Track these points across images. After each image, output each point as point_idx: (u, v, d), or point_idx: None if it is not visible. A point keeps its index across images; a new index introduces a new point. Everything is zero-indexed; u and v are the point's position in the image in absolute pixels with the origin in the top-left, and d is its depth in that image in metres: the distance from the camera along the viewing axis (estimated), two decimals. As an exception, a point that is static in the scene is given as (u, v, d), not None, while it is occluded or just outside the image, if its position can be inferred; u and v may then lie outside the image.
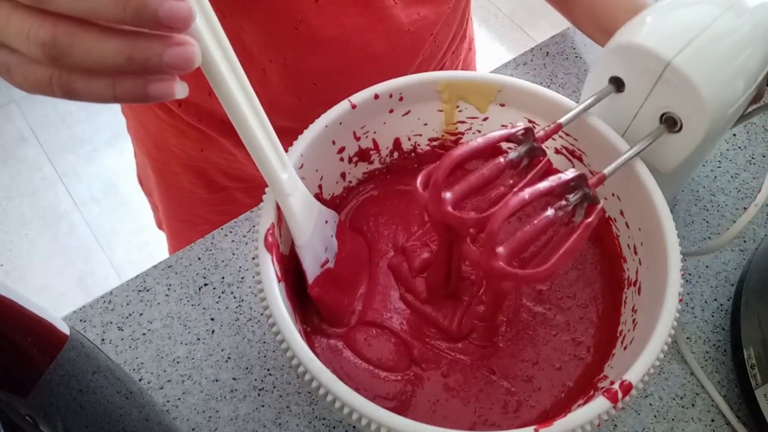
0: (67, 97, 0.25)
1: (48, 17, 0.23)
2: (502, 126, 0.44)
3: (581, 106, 0.39)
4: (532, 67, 0.63)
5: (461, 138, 0.46)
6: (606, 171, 0.36)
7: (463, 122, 0.44)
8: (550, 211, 0.32)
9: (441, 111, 0.44)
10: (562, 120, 0.37)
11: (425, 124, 0.44)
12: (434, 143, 0.46)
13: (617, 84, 0.40)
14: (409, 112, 0.43)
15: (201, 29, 0.26)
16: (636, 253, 0.39)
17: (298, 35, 0.47)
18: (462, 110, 0.44)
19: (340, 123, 0.40)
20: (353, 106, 0.40)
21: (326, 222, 0.40)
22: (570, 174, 0.33)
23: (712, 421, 0.44)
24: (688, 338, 0.47)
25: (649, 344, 0.32)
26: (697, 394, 0.45)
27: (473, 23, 0.66)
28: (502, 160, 0.34)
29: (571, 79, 0.62)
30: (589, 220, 0.33)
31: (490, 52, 1.82)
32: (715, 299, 0.49)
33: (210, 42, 0.27)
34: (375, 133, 0.43)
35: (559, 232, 0.34)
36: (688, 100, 0.36)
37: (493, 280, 0.35)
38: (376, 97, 0.41)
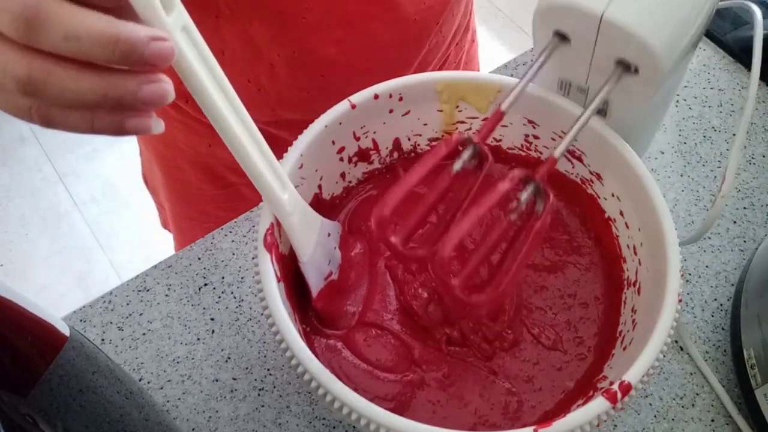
0: (45, 126, 0.25)
1: (26, 53, 0.23)
2: (503, 126, 0.44)
3: (534, 67, 0.37)
4: (532, 67, 0.63)
5: (461, 138, 0.46)
6: (556, 153, 0.34)
7: (462, 122, 0.44)
8: (503, 221, 0.32)
9: (441, 111, 0.44)
10: (503, 107, 0.36)
11: (425, 124, 0.44)
12: (434, 143, 0.46)
13: (562, 37, 0.38)
14: (408, 112, 0.43)
15: (191, 62, 0.27)
16: (636, 253, 0.39)
17: (305, 24, 0.47)
18: (462, 110, 0.44)
19: (340, 123, 0.40)
20: (353, 106, 0.40)
21: (329, 235, 0.40)
22: (506, 185, 0.32)
23: (712, 421, 0.44)
24: (688, 338, 0.47)
25: (648, 345, 0.32)
26: (697, 394, 0.45)
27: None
28: (447, 177, 0.34)
29: (571, 79, 0.62)
30: (539, 225, 0.32)
31: (490, 52, 1.82)
32: (715, 299, 0.49)
33: (202, 74, 0.27)
34: (375, 133, 0.43)
35: (525, 227, 0.33)
36: (634, 47, 0.35)
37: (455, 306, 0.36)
38: (376, 97, 0.41)
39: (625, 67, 0.37)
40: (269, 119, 0.56)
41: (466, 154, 0.34)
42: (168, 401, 0.44)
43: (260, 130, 0.58)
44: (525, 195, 0.33)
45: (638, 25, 0.34)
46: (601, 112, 0.41)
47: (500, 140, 0.45)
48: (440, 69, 0.60)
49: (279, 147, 0.58)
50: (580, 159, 0.42)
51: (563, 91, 0.42)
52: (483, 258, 0.33)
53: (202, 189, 0.65)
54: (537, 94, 0.41)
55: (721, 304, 0.49)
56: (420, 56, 0.55)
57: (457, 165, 0.34)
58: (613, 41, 0.36)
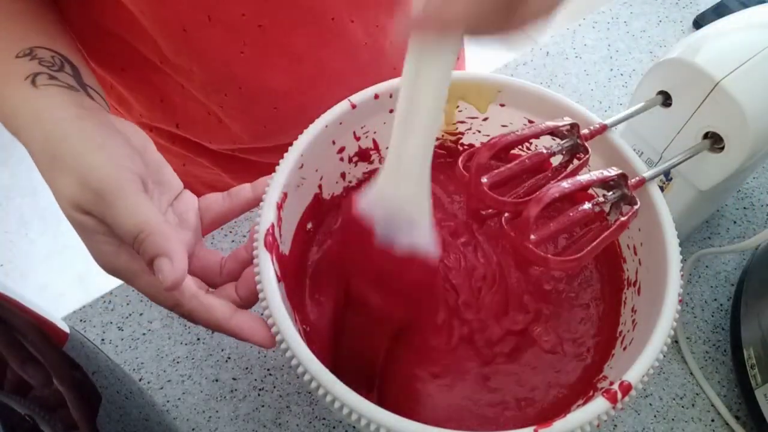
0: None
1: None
2: (503, 126, 0.44)
3: (631, 110, 0.39)
4: (532, 67, 0.63)
5: (461, 138, 0.46)
6: (646, 175, 0.36)
7: (463, 122, 0.44)
8: (587, 205, 0.33)
9: (441, 111, 0.44)
10: (608, 121, 0.38)
11: (425, 124, 0.44)
12: (435, 143, 0.46)
13: (665, 98, 0.41)
14: (409, 112, 0.43)
15: None
16: (636, 253, 0.39)
17: (245, 59, 0.47)
18: (462, 110, 0.44)
19: (340, 123, 0.40)
20: (353, 106, 0.40)
21: None
22: (612, 172, 0.35)
23: (712, 421, 0.44)
24: (688, 338, 0.47)
25: (648, 345, 0.32)
26: (696, 394, 0.45)
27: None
28: (544, 151, 0.35)
29: (571, 79, 0.62)
30: (624, 218, 0.34)
31: (491, 52, 1.82)
32: (715, 299, 0.49)
33: None
34: (375, 133, 0.43)
35: (591, 228, 0.35)
36: (733, 122, 0.38)
37: (524, 264, 0.36)
38: (376, 97, 0.41)
39: (712, 141, 0.39)
40: (233, 148, 0.56)
41: (566, 143, 0.36)
42: (168, 401, 0.44)
43: (227, 155, 0.57)
44: (612, 195, 0.35)
45: (747, 102, 0.37)
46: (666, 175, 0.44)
47: (500, 140, 0.45)
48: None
49: (250, 168, 0.57)
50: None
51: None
52: (563, 228, 0.33)
53: None
54: (539, 94, 0.41)
55: (721, 304, 0.49)
56: (381, 77, 0.53)
57: (556, 147, 0.36)
58: (715, 110, 0.38)
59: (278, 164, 0.37)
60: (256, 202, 0.38)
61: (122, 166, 0.33)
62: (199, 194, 0.64)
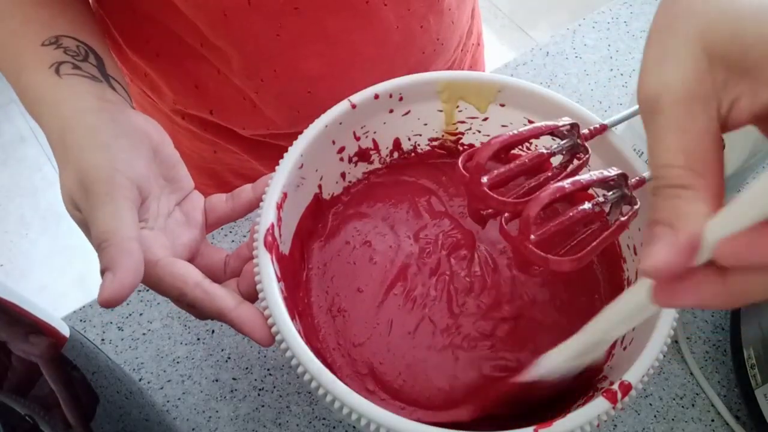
0: None
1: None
2: (503, 126, 0.44)
3: (631, 110, 0.39)
4: (532, 67, 0.63)
5: (461, 138, 0.46)
6: (646, 175, 0.36)
7: (463, 122, 0.44)
8: (587, 205, 0.33)
9: (441, 111, 0.44)
10: (608, 121, 0.38)
11: (425, 124, 0.44)
12: (434, 143, 0.46)
13: None
14: (409, 112, 0.43)
15: None
16: (636, 253, 0.39)
17: (281, 42, 0.47)
18: (462, 110, 0.44)
19: (340, 123, 0.40)
20: (353, 106, 0.40)
21: None
22: (613, 172, 0.34)
23: (712, 421, 0.44)
24: (688, 338, 0.47)
25: (648, 345, 0.32)
26: (696, 394, 0.45)
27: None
28: (545, 151, 0.35)
29: (571, 79, 0.62)
30: (624, 219, 0.34)
31: (490, 52, 1.82)
32: (715, 299, 0.49)
33: None
34: (375, 133, 0.43)
35: (591, 228, 0.35)
36: None
37: (524, 264, 0.36)
38: (376, 97, 0.41)
39: None
40: (265, 134, 0.56)
41: (566, 143, 0.36)
42: (168, 401, 0.44)
43: (259, 141, 0.58)
44: (613, 195, 0.35)
45: None
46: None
47: (500, 140, 0.45)
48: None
49: (280, 155, 0.58)
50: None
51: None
52: (563, 227, 0.33)
53: (207, 194, 0.65)
54: (539, 94, 0.41)
55: (721, 304, 0.49)
56: (409, 61, 0.54)
57: (556, 147, 0.36)
58: None
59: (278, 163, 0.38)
60: (257, 203, 0.38)
61: (119, 170, 0.33)
62: (228, 182, 0.65)
